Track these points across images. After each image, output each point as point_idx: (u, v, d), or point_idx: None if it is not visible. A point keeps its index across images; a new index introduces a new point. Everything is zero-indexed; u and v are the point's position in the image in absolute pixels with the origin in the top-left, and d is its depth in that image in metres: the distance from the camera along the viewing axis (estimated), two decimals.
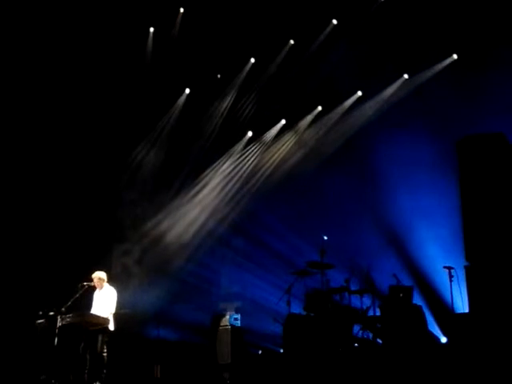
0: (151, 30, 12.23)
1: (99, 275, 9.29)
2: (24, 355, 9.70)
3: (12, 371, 9.81)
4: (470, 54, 11.37)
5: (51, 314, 8.75)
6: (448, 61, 11.74)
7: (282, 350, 10.38)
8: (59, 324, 8.65)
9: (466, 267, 9.26)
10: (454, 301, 9.62)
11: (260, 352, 11.09)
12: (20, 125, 11.60)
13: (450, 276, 9.68)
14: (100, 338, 8.90)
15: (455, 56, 11.72)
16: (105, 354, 8.92)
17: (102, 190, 12.10)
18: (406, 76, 12.03)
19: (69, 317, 8.76)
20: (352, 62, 11.75)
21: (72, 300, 8.88)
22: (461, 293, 9.58)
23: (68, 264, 11.14)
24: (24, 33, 11.25)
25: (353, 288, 10.24)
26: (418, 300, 10.25)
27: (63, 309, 8.77)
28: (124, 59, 11.94)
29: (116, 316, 9.28)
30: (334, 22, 12.19)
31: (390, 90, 12.04)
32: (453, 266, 9.76)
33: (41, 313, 8.87)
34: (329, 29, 12.22)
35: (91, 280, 9.21)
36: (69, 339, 8.84)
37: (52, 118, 11.78)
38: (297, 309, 10.31)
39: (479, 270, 9.09)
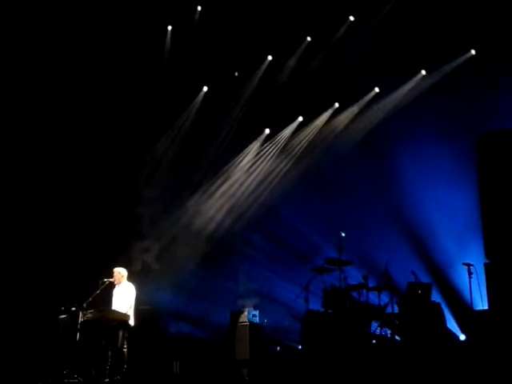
0: (169, 28, 12.30)
1: (120, 270, 9.46)
2: (47, 350, 9.88)
3: (36, 365, 9.99)
4: (488, 49, 11.28)
5: (73, 309, 8.90)
6: (466, 56, 11.66)
7: (300, 347, 10.43)
8: (81, 319, 8.80)
9: (485, 264, 9.23)
10: (473, 298, 9.58)
11: (278, 348, 11.14)
12: (43, 123, 11.76)
13: (469, 273, 9.63)
14: (120, 333, 9.02)
15: (473, 51, 11.63)
16: (125, 350, 9.03)
17: (121, 187, 12.21)
18: (423, 72, 11.97)
19: (90, 312, 8.91)
20: (369, 59, 11.72)
21: (93, 296, 9.03)
22: (480, 290, 9.54)
23: (89, 261, 11.28)
24: (48, 33, 11.41)
25: (371, 285, 10.24)
26: (436, 297, 10.22)
27: (84, 304, 8.93)
28: (142, 57, 12.03)
29: (136, 312, 9.41)
30: (351, 18, 12.16)
31: (408, 86, 11.99)
32: (472, 262, 9.71)
33: (63, 308, 9.02)
34: (346, 25, 12.20)
35: (112, 275, 9.36)
36: (90, 334, 8.98)
37: (73, 116, 11.92)
38: (315, 305, 10.33)
39: (499, 267, 9.05)
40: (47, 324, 9.92)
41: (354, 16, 12.15)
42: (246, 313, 10.96)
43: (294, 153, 12.57)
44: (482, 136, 9.63)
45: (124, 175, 12.25)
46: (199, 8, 12.23)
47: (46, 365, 9.62)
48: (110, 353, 8.97)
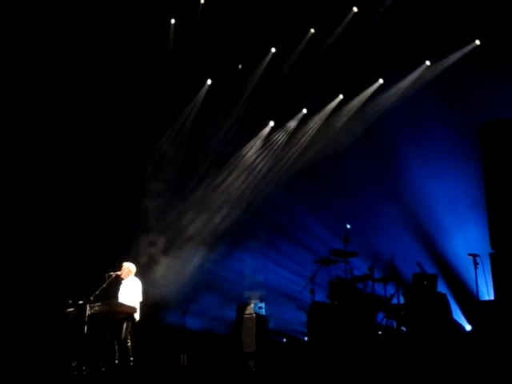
0: (172, 21, 12.29)
1: (129, 265, 9.53)
2: (55, 343, 9.96)
3: (44, 358, 10.09)
4: (493, 39, 11.24)
5: (81, 302, 8.97)
6: (470, 47, 11.62)
7: (306, 338, 10.47)
8: (88, 313, 8.86)
9: (491, 254, 9.24)
10: (478, 288, 9.59)
11: (284, 340, 11.18)
12: (50, 117, 11.81)
13: (475, 263, 9.64)
14: (124, 326, 9.08)
15: (478, 42, 11.58)
16: (129, 344, 9.08)
17: (127, 181, 12.25)
18: (428, 62, 11.94)
19: (97, 305, 8.98)
20: (373, 50, 11.69)
21: (100, 289, 9.09)
22: (486, 280, 9.55)
23: (96, 255, 11.34)
24: (52, 28, 11.43)
25: (376, 276, 10.26)
26: (442, 288, 10.24)
27: (92, 298, 8.99)
28: (146, 51, 12.04)
29: (143, 305, 9.47)
30: (355, 9, 12.12)
31: (412, 77, 11.96)
32: (477, 253, 9.72)
33: (70, 302, 9.09)
34: (350, 16, 12.16)
35: (120, 269, 9.42)
36: (98, 327, 9.04)
37: (78, 110, 11.95)
38: (321, 297, 10.37)
39: (504, 257, 9.07)
40: (55, 317, 9.99)
41: (357, 7, 12.11)
42: (252, 305, 10.99)
43: (298, 145, 12.57)
44: (487, 126, 9.63)
45: (129, 169, 12.28)
46: (202, 0, 12.21)
47: (54, 357, 9.72)
48: (116, 346, 9.04)
